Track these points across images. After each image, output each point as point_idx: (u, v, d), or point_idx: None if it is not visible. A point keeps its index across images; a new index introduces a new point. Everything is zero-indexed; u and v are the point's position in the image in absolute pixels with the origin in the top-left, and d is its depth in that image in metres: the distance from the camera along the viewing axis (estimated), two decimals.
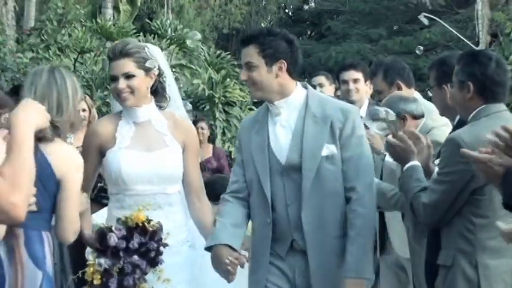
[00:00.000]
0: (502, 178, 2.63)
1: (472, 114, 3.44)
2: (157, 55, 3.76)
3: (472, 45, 17.76)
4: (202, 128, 9.10)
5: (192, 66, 15.52)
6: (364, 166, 3.56)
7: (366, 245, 3.50)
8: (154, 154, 3.62)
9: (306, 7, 31.46)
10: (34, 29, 14.81)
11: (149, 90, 3.66)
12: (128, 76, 3.58)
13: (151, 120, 3.67)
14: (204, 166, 8.83)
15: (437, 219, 3.43)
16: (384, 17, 25.12)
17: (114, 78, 3.60)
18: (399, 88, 4.96)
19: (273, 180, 3.57)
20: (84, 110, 5.64)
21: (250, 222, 3.74)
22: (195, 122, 9.52)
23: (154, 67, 3.65)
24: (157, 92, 3.71)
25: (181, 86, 14.69)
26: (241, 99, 14.28)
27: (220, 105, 14.06)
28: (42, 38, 13.84)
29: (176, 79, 14.75)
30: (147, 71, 3.62)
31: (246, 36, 3.68)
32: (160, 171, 3.60)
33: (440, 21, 19.82)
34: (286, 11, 30.66)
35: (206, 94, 14.03)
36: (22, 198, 2.23)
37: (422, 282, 3.89)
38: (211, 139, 9.31)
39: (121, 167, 3.57)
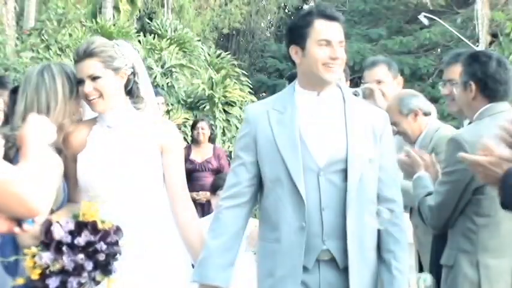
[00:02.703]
0: (500, 181, 2.63)
1: (476, 114, 3.45)
2: (129, 52, 3.42)
3: (472, 45, 17.76)
4: (202, 128, 9.09)
5: (192, 66, 15.52)
6: (398, 180, 3.35)
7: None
8: (124, 157, 3.29)
9: (306, 7, 31.47)
10: (34, 29, 14.80)
11: (122, 90, 3.35)
12: (95, 78, 3.25)
13: (125, 123, 3.35)
14: (204, 166, 8.85)
15: (444, 220, 3.42)
16: (383, 17, 25.09)
17: (81, 81, 3.27)
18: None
19: (305, 179, 3.17)
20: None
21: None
22: (195, 122, 9.55)
23: (125, 65, 3.34)
24: (133, 92, 3.40)
25: (181, 86, 14.70)
26: (241, 99, 14.29)
27: (220, 105, 14.06)
28: (43, 38, 13.84)
29: (176, 79, 14.84)
30: (116, 70, 3.30)
31: None
32: (130, 175, 3.27)
33: (440, 21, 19.81)
34: (286, 11, 30.60)
35: (206, 94, 14.03)
36: (43, 190, 2.15)
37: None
38: (212, 139, 9.30)
39: (86, 173, 3.28)
